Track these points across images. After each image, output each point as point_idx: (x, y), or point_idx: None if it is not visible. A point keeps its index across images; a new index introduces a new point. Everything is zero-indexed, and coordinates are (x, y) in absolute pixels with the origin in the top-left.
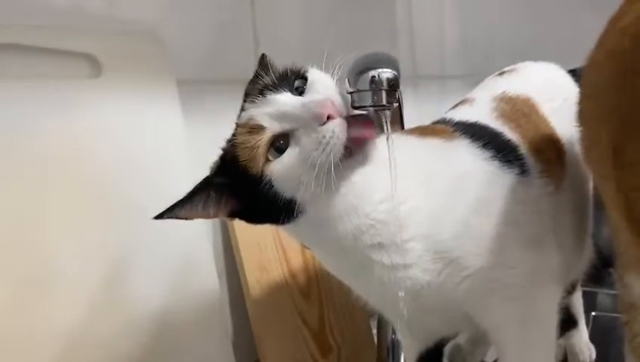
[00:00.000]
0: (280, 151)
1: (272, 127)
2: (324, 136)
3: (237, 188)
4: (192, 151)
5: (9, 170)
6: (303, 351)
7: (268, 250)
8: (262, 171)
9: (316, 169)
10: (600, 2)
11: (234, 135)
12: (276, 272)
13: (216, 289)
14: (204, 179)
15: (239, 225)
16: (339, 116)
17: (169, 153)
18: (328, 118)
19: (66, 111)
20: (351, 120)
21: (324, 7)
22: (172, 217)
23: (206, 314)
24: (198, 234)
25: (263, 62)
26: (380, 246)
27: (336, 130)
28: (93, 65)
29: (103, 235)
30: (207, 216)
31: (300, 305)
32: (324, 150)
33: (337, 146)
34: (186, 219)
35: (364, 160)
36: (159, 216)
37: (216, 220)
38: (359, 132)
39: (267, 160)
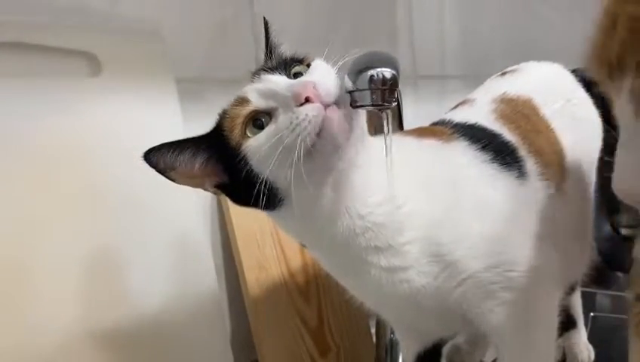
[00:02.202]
0: (261, 128)
1: (257, 102)
2: (297, 117)
3: (222, 159)
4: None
5: (8, 167)
6: (301, 350)
7: (267, 249)
8: (239, 145)
9: (281, 149)
10: (599, 3)
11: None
12: (275, 271)
13: (214, 287)
14: (200, 135)
15: (238, 224)
16: (319, 102)
17: None
18: (307, 100)
19: (65, 110)
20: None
21: (325, 7)
22: (159, 163)
23: (204, 313)
24: (197, 232)
25: (266, 29)
26: (377, 248)
27: (310, 113)
28: (93, 64)
29: (102, 233)
30: (191, 176)
31: (299, 305)
32: (293, 130)
33: (308, 130)
34: (171, 175)
35: (333, 142)
36: (147, 153)
37: (215, 217)
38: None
39: (247, 135)
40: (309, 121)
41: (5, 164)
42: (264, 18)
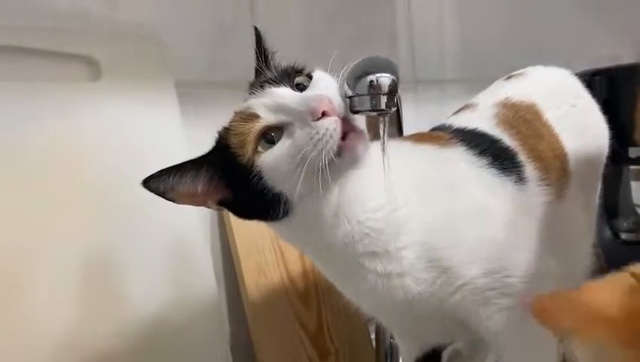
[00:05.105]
0: (272, 143)
1: (267, 118)
2: (317, 133)
3: (227, 175)
4: (190, 153)
5: (8, 171)
6: (300, 354)
7: (266, 253)
8: (252, 161)
9: (306, 165)
10: (599, 6)
11: (230, 122)
12: (274, 275)
13: (214, 292)
14: (199, 156)
15: (237, 228)
16: (335, 115)
17: (168, 155)
18: (324, 114)
19: (65, 114)
20: (345, 125)
21: (324, 12)
22: (159, 188)
23: (204, 317)
24: (197, 236)
25: (257, 38)
26: (374, 254)
27: (331, 127)
28: (93, 68)
29: (101, 237)
30: (194, 196)
31: (298, 309)
32: (315, 146)
33: (330, 144)
34: (172, 196)
35: (352, 163)
36: (147, 180)
37: (215, 222)
38: (350, 142)
39: (257, 151)
40: (331, 135)
41: (5, 167)
42: (255, 28)
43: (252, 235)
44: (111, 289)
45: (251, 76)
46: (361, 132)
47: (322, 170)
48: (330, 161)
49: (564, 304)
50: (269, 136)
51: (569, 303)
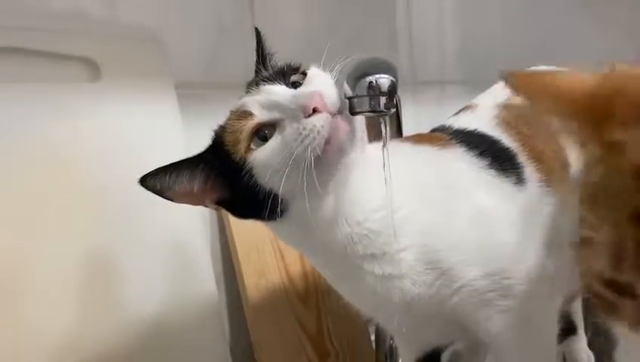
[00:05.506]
0: (265, 140)
1: (260, 115)
2: (304, 128)
3: (223, 174)
4: (190, 154)
5: (7, 172)
6: (300, 355)
7: (266, 255)
8: (244, 158)
9: (292, 161)
10: (600, 6)
11: (225, 121)
12: (274, 277)
13: (214, 294)
14: (196, 154)
15: (237, 229)
16: (326, 111)
17: (167, 156)
18: (315, 111)
19: (65, 115)
20: (342, 121)
21: (324, 13)
22: (156, 186)
23: (204, 319)
24: (197, 238)
25: (258, 39)
26: (372, 256)
27: (318, 124)
28: (93, 69)
29: (100, 239)
30: (191, 195)
31: (298, 311)
32: (302, 142)
33: (317, 141)
34: (170, 195)
35: (337, 152)
36: (144, 178)
37: (215, 223)
38: (336, 131)
39: (250, 148)
40: (318, 132)
41: (5, 168)
42: (256, 28)
43: (252, 237)
44: (110, 290)
45: (251, 76)
46: (351, 121)
47: (308, 166)
48: (317, 159)
49: (536, 75)
50: (262, 133)
51: (540, 75)
